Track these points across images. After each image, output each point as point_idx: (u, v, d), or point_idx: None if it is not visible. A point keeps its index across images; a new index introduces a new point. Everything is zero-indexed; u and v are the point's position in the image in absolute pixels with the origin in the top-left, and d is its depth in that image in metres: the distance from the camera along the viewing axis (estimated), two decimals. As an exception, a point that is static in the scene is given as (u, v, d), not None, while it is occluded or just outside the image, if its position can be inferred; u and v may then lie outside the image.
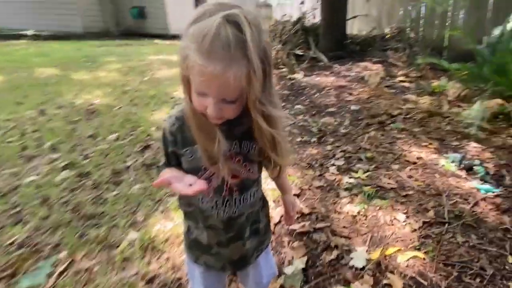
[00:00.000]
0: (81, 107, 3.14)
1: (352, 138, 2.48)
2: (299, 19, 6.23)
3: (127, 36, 9.82)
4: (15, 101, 3.25)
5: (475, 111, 2.27)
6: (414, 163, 2.06)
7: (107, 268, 1.26)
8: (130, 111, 3.03)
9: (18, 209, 1.62)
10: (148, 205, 1.62)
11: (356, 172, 1.96)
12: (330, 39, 5.68)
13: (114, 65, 5.08)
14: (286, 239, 1.40)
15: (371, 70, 4.67)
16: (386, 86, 3.88)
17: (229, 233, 0.75)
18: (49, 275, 1.20)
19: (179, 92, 3.78)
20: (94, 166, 2.01)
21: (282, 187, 0.90)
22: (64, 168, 2.00)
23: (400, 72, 4.44)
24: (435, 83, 3.53)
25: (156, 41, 8.99)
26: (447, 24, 4.86)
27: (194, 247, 0.81)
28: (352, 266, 1.25)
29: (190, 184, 0.59)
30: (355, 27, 8.57)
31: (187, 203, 0.77)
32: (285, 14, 6.70)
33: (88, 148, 2.27)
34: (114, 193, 1.74)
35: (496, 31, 2.88)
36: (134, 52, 6.72)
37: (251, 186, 0.74)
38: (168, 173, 0.65)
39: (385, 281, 1.17)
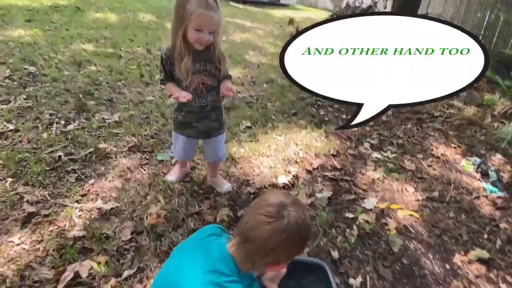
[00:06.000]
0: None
1: (390, 126, 2.70)
2: (370, 7, 5.99)
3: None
4: (128, 38, 3.89)
5: (511, 127, 2.34)
6: (438, 157, 2.28)
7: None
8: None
9: (145, 115, 2.22)
10: (228, 135, 2.11)
11: (386, 152, 2.25)
12: (396, 33, 5.45)
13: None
14: (320, 179, 1.82)
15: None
16: (437, 89, 3.84)
17: (201, 114, 1.33)
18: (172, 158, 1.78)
19: (249, 56, 4.13)
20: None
21: (223, 82, 1.30)
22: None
23: (456, 79, 4.26)
24: (487, 96, 3.44)
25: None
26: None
27: (180, 125, 1.37)
28: (363, 206, 1.64)
29: (184, 96, 1.17)
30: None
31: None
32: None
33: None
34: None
35: None
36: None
37: (212, 90, 1.29)
38: (173, 88, 1.23)
39: (383, 220, 1.56)
